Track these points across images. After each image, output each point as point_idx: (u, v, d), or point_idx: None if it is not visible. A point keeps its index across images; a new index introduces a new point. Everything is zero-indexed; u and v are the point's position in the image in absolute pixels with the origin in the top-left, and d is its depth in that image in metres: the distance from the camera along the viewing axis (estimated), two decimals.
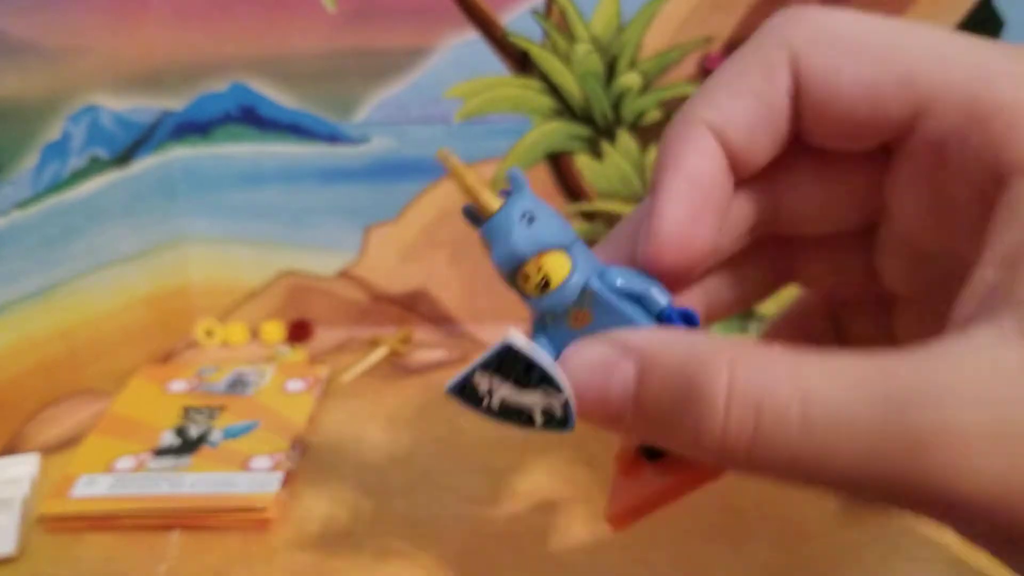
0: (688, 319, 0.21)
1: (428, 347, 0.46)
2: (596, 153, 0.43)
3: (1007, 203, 0.18)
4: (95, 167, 0.40)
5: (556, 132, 0.43)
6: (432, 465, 0.36)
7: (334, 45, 0.42)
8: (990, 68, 0.19)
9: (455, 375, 0.22)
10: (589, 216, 0.45)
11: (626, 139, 0.43)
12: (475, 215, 0.22)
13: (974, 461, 0.16)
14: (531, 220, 0.21)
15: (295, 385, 0.41)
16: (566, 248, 0.21)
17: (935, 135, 0.20)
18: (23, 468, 0.35)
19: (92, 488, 0.34)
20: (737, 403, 0.17)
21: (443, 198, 0.44)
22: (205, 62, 0.42)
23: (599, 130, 0.43)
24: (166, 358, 0.46)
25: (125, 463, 0.35)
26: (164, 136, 0.43)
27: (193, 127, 0.44)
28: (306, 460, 0.37)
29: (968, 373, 0.16)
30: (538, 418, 0.21)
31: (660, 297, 0.21)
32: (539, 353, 0.21)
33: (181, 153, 0.44)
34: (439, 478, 0.35)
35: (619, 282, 0.21)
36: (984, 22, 0.40)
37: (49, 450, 0.38)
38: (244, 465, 0.35)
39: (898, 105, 0.20)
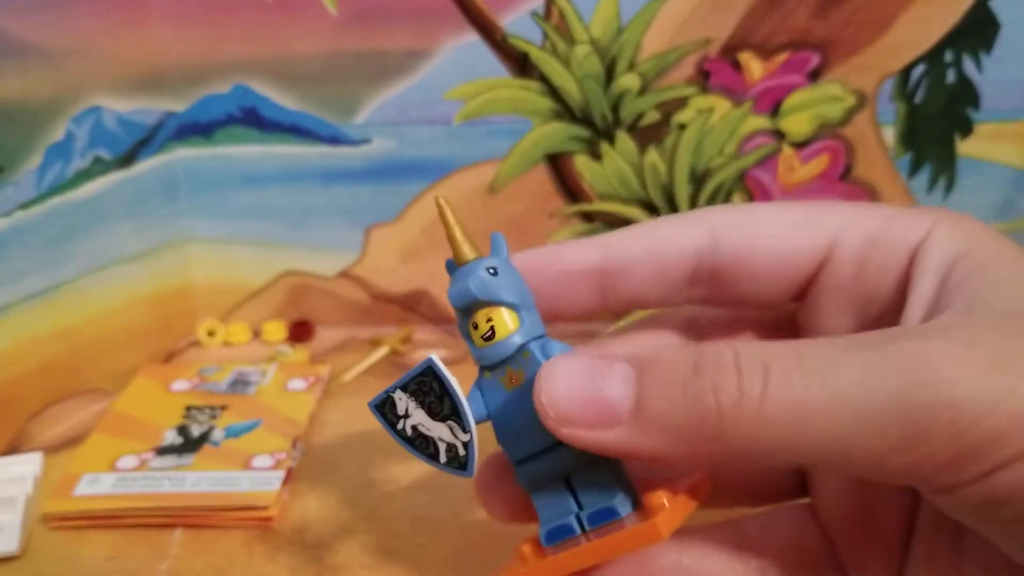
0: None
1: (428, 347, 0.46)
2: (595, 154, 0.44)
3: (919, 266, 0.21)
4: (98, 168, 0.40)
5: (556, 133, 0.43)
6: None
7: (335, 47, 0.42)
8: (884, 211, 0.23)
9: (380, 392, 0.23)
10: (588, 217, 0.45)
11: (625, 140, 0.43)
12: (453, 267, 0.23)
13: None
14: (494, 273, 0.22)
15: (296, 384, 0.41)
16: (517, 309, 0.22)
17: (855, 245, 0.22)
18: (26, 467, 0.35)
19: (95, 487, 0.34)
20: (747, 364, 0.18)
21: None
22: (207, 64, 0.43)
23: (598, 131, 0.43)
24: (168, 358, 0.46)
25: (128, 462, 0.35)
26: (167, 137, 0.44)
27: (195, 128, 0.44)
28: (307, 459, 0.37)
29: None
30: (442, 455, 0.22)
31: None
32: (454, 382, 0.22)
33: (184, 154, 0.44)
34: (440, 477, 0.35)
35: (555, 352, 0.22)
36: (981, 24, 0.41)
37: (52, 449, 0.38)
38: (246, 464, 0.35)
39: (809, 239, 0.23)
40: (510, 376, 0.22)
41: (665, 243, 0.24)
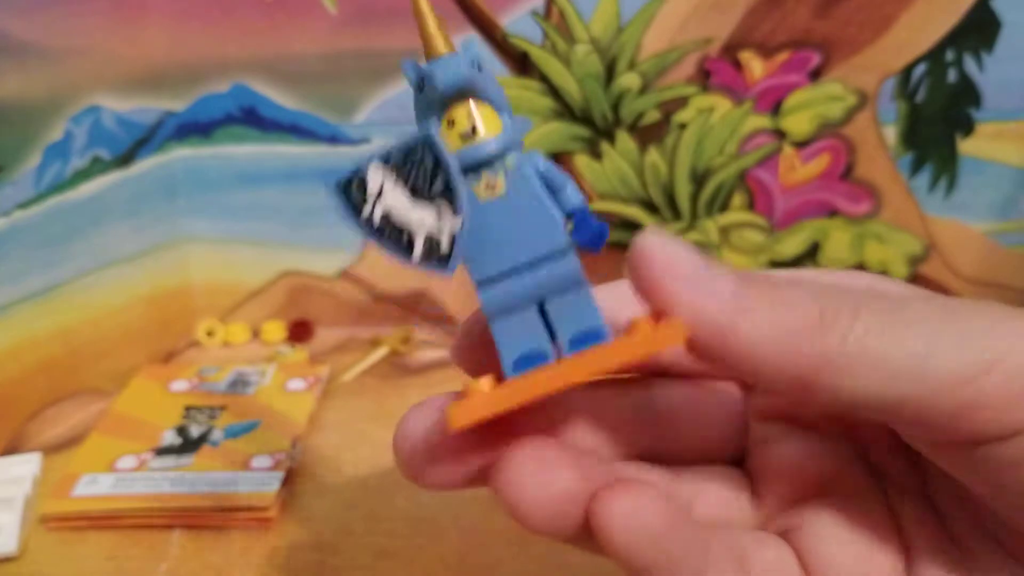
0: (600, 229, 0.19)
1: (428, 347, 0.46)
2: (595, 154, 0.44)
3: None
4: (97, 167, 0.40)
5: (556, 133, 0.43)
6: None
7: (335, 46, 0.42)
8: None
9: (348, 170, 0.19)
10: None
11: (625, 140, 0.43)
12: (419, 72, 0.20)
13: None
14: (479, 68, 0.19)
15: (296, 385, 0.41)
16: (501, 111, 0.20)
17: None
18: (25, 467, 0.35)
19: (94, 487, 0.34)
20: (831, 302, 0.18)
21: None
22: (206, 63, 0.42)
23: (598, 131, 0.43)
24: (167, 358, 0.46)
25: (126, 462, 0.35)
26: (166, 136, 0.43)
27: (194, 128, 0.44)
28: (307, 459, 0.37)
29: None
30: (419, 245, 0.19)
31: (574, 196, 0.20)
32: (451, 158, 0.19)
33: (182, 153, 0.44)
34: None
35: (542, 166, 0.20)
36: (982, 23, 0.40)
37: (51, 449, 0.38)
38: (245, 464, 0.35)
39: None
40: (487, 183, 0.20)
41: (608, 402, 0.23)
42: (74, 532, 0.33)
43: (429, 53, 0.20)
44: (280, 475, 0.34)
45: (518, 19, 0.41)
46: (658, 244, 0.18)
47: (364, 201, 0.19)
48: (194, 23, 0.42)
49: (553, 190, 0.20)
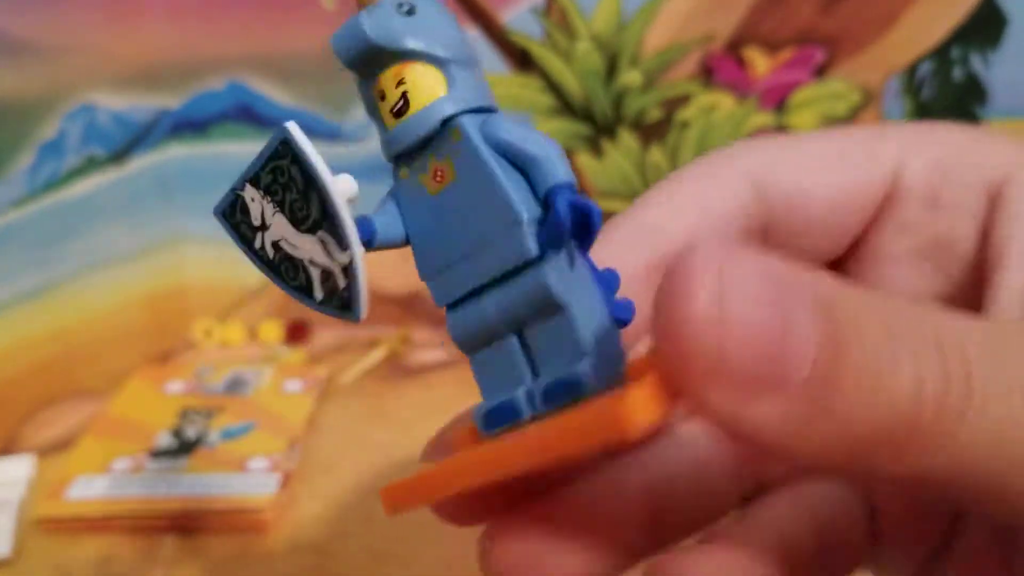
0: (587, 210, 0.14)
1: (427, 348, 0.46)
2: (597, 151, 0.43)
3: (1011, 207, 0.18)
4: (91, 166, 0.40)
5: (556, 130, 0.43)
6: None
7: None
8: (951, 135, 0.19)
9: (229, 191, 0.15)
10: None
11: (627, 137, 0.43)
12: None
13: None
14: (410, 12, 0.15)
15: (293, 386, 0.41)
16: (444, 65, 0.15)
17: (923, 178, 0.19)
18: (19, 470, 0.35)
19: (88, 490, 0.34)
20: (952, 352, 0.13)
21: None
22: (202, 60, 0.42)
23: (600, 128, 0.43)
24: (163, 358, 0.45)
25: (121, 464, 0.35)
26: (161, 134, 0.43)
27: (190, 125, 0.43)
28: (304, 461, 0.36)
29: None
30: (316, 287, 0.14)
31: (554, 170, 0.14)
32: (318, 163, 0.14)
33: (178, 152, 0.44)
34: None
35: (504, 132, 0.14)
36: (988, 21, 0.40)
37: (45, 451, 0.37)
38: (241, 466, 0.35)
39: (869, 173, 0.19)
40: (434, 171, 0.15)
41: (710, 216, 0.18)
42: (68, 535, 0.33)
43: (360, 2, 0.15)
44: (277, 477, 0.34)
45: (519, 15, 0.41)
46: (709, 274, 0.11)
47: (253, 233, 0.15)
48: (190, 20, 0.41)
49: (522, 166, 0.14)
